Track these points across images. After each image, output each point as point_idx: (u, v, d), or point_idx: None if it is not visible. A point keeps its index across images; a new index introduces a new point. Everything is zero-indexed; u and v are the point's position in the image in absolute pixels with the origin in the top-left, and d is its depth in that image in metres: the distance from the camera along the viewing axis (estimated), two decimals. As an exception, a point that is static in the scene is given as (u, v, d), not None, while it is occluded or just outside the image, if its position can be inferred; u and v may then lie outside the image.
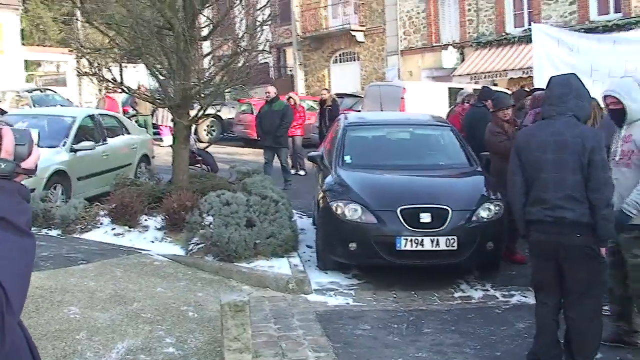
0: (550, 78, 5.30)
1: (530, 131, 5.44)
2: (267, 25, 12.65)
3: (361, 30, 31.74)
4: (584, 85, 5.15)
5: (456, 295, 7.84)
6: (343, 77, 32.90)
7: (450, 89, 18.46)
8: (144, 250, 8.90)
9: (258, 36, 11.85)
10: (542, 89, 9.66)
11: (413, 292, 7.84)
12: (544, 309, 5.26)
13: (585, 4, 23.66)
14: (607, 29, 22.56)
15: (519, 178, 5.18)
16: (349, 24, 32.12)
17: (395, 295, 7.74)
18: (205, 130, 24.66)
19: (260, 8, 12.48)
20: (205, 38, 11.68)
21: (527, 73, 22.07)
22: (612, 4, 23.40)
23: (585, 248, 4.94)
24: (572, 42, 10.69)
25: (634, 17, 22.27)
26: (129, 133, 13.96)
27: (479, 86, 19.49)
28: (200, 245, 8.55)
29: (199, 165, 14.19)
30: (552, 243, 5.03)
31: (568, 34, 11.63)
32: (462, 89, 15.71)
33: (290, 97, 17.96)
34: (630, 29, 22.02)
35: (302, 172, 17.23)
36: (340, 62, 34.01)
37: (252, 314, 6.38)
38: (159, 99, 11.64)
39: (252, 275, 8.05)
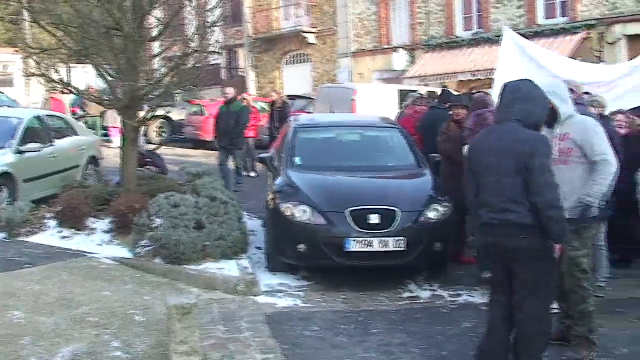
0: (504, 84, 5.38)
1: (480, 136, 5.53)
2: (217, 26, 12.59)
3: (313, 32, 31.79)
4: (539, 90, 5.20)
5: (404, 295, 7.90)
6: (295, 79, 32.91)
7: (400, 90, 18.57)
8: (91, 253, 8.80)
9: (208, 37, 11.79)
10: (482, 92, 9.88)
11: (362, 293, 7.88)
12: (495, 308, 5.34)
13: (532, 8, 24.06)
14: (554, 32, 22.99)
15: (471, 182, 5.27)
16: (300, 25, 32.17)
17: (344, 296, 7.78)
18: (155, 131, 24.48)
19: (211, 9, 12.40)
20: (154, 39, 11.57)
21: (475, 75, 22.40)
22: (558, 8, 23.82)
23: (532, 250, 5.01)
24: (534, 55, 10.92)
25: (580, 21, 22.71)
26: (76, 134, 13.77)
27: (429, 88, 19.72)
28: (149, 248, 8.48)
29: (148, 166, 14.05)
30: (499, 245, 5.11)
31: (533, 46, 11.88)
32: (415, 90, 15.86)
33: (243, 99, 17.94)
34: (576, 32, 22.50)
35: (253, 174, 17.19)
36: (292, 63, 34.02)
37: (200, 317, 6.33)
38: (107, 100, 11.50)
39: (200, 278, 8.01)
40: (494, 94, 10.22)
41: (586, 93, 8.34)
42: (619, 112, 8.58)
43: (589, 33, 22.48)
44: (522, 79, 5.36)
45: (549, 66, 10.62)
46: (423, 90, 17.89)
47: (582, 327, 5.81)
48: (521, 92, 5.10)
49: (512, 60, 10.77)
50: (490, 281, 5.45)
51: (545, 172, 4.90)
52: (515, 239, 4.97)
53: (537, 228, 4.97)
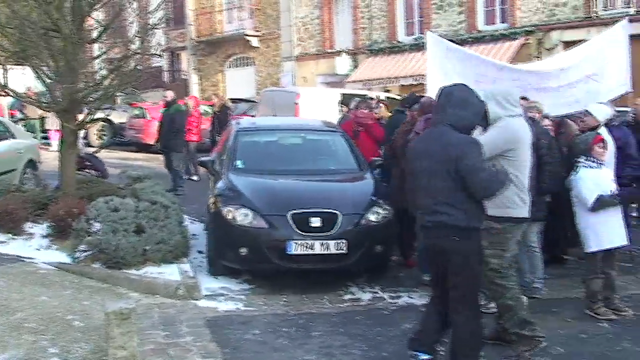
0: (440, 89, 5.48)
1: (416, 140, 5.65)
2: (159, 28, 12.49)
3: (256, 36, 31.74)
4: (474, 96, 5.31)
5: (346, 297, 7.96)
6: (238, 82, 32.80)
7: (343, 94, 18.64)
8: (29, 258, 8.61)
9: (150, 39, 11.69)
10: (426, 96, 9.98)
11: (304, 296, 7.91)
12: (431, 304, 5.53)
13: (473, 14, 24.43)
14: (494, 38, 23.40)
15: (411, 185, 5.37)
16: (244, 28, 32.06)
17: (286, 299, 7.79)
18: (95, 134, 24.16)
19: (152, 11, 12.30)
20: (94, 40, 11.43)
21: (417, 80, 22.58)
22: (498, 14, 24.22)
23: (464, 252, 5.13)
24: (459, 57, 11.05)
25: (519, 28, 23.15)
26: (14, 137, 13.49)
27: (372, 93, 19.84)
28: (88, 253, 8.35)
29: (87, 170, 13.86)
30: (434, 246, 5.23)
31: (457, 48, 12.01)
32: (365, 95, 15.97)
33: (186, 103, 17.90)
34: (515, 38, 22.93)
35: (195, 178, 17.09)
36: (235, 66, 33.90)
37: (140, 322, 6.30)
38: (45, 103, 11.31)
39: (141, 282, 7.92)
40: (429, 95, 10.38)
41: (523, 98, 8.49)
42: (546, 117, 8.77)
43: (527, 39, 22.93)
44: (457, 84, 5.47)
45: (473, 69, 10.79)
46: (376, 94, 18.00)
47: (509, 323, 5.93)
48: (454, 96, 5.23)
49: (439, 64, 10.91)
50: (430, 282, 5.57)
51: (478, 173, 5.00)
52: (447, 241, 5.08)
53: (470, 231, 5.09)
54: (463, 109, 5.17)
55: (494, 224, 5.74)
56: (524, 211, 5.85)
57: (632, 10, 20.62)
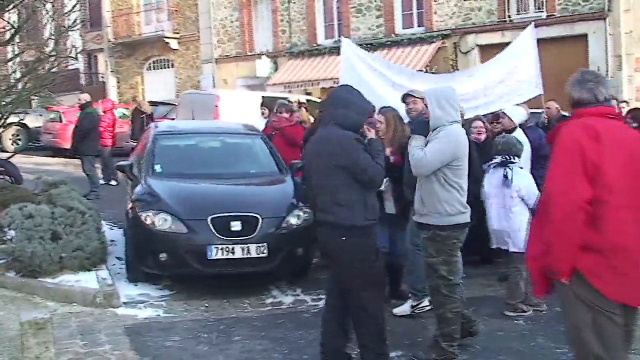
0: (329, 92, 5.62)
1: (310, 141, 5.76)
2: (74, 30, 12.25)
3: (175, 38, 31.41)
4: (358, 97, 5.45)
5: (267, 301, 7.95)
6: (157, 85, 32.40)
7: (264, 97, 18.63)
8: (-62, 268, 8.33)
9: (64, 41, 11.46)
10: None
11: (225, 301, 7.86)
12: (327, 308, 5.72)
13: (391, 18, 24.76)
14: (412, 42, 23.78)
15: (308, 184, 5.47)
16: (162, 30, 31.69)
17: (206, 305, 7.73)
18: (10, 139, 23.50)
19: (67, 12, 12.05)
20: (7, 42, 11.13)
21: (337, 83, 22.62)
22: (415, 18, 24.64)
23: (350, 251, 5.23)
24: (374, 65, 11.19)
25: (436, 31, 23.60)
26: None
27: (293, 96, 19.88)
28: (2, 261, 8.13)
29: (1, 176, 13.45)
30: (324, 245, 5.37)
31: (372, 56, 12.17)
32: (287, 98, 15.97)
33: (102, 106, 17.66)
34: (432, 42, 23.35)
35: (113, 182, 16.80)
36: (154, 69, 33.47)
37: (56, 331, 6.17)
38: (-45, 107, 10.94)
39: (57, 291, 7.74)
40: None
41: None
42: (477, 118, 8.96)
43: (444, 42, 23.40)
44: (342, 85, 5.63)
45: (389, 75, 10.96)
46: (296, 97, 18.04)
47: (438, 331, 6.03)
48: (339, 97, 5.45)
49: (353, 70, 11.04)
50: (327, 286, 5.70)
51: (359, 164, 5.20)
52: (335, 240, 5.22)
53: (358, 229, 5.18)
54: (347, 108, 5.33)
55: (439, 232, 5.83)
56: (466, 216, 5.93)
57: (544, 15, 21.28)
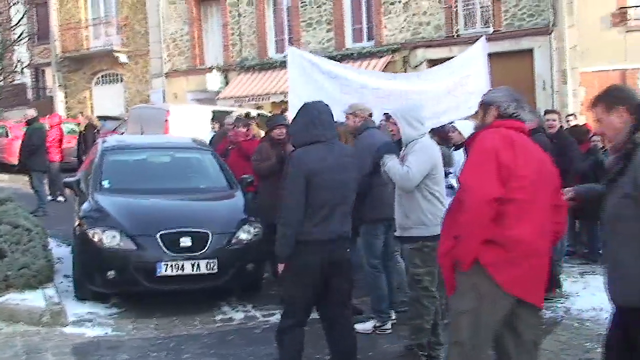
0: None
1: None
2: (20, 44, 12.08)
3: (124, 52, 31.13)
4: (299, 113, 5.50)
5: (217, 318, 7.88)
6: (107, 99, 32.02)
7: (214, 111, 18.56)
8: None
9: (10, 55, 11.29)
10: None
11: (174, 318, 7.77)
12: (300, 331, 5.50)
13: (341, 32, 24.91)
14: (362, 55, 23.94)
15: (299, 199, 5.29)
16: (111, 44, 31.36)
17: (156, 323, 7.63)
18: (-46, 154, 23.03)
19: (13, 27, 11.87)
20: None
21: (287, 97, 22.75)
22: (365, 33, 24.84)
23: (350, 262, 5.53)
24: (324, 67, 11.18)
25: (385, 46, 23.80)
26: None
27: (243, 110, 19.84)
28: (-56, 281, 7.93)
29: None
30: (334, 257, 5.37)
31: (320, 59, 12.14)
32: (233, 111, 15.93)
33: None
34: (382, 56, 23.55)
35: (61, 199, 16.56)
36: (103, 83, 33.08)
37: (1, 352, 6.04)
38: None
39: (3, 310, 7.54)
40: (293, 110, 10.43)
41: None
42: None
43: (393, 57, 23.61)
44: (319, 102, 5.59)
45: (343, 74, 10.97)
46: (246, 111, 18.01)
47: (414, 341, 6.06)
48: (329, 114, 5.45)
49: (302, 79, 11.03)
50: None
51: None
52: (344, 252, 5.48)
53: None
54: (292, 126, 5.73)
55: (427, 243, 5.88)
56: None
57: (490, 30, 21.61)
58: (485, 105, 4.50)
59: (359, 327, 7.02)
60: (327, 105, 5.50)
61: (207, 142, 12.85)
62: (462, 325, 4.18)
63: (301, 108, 5.54)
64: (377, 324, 7.10)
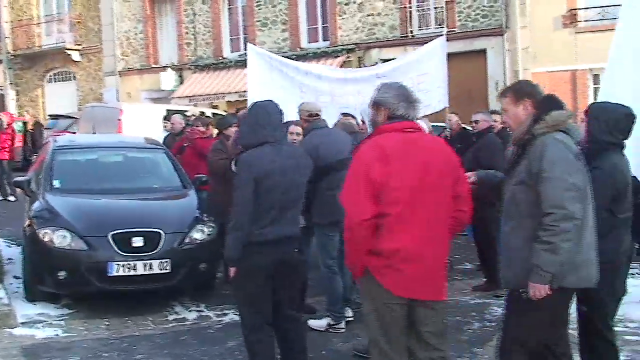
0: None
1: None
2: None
3: (77, 49, 30.74)
4: (247, 113, 5.59)
5: (170, 318, 7.82)
6: (59, 97, 31.58)
7: (168, 110, 18.44)
8: None
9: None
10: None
11: (127, 318, 7.69)
12: (266, 333, 5.47)
13: (296, 32, 24.96)
14: (317, 55, 24.00)
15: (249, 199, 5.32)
16: (64, 42, 30.96)
17: (107, 323, 7.55)
18: None
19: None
20: None
21: (243, 96, 22.69)
22: (320, 33, 24.92)
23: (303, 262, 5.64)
24: (283, 67, 11.22)
25: (340, 46, 23.91)
26: None
27: (198, 109, 19.78)
28: None
29: None
30: (285, 258, 5.34)
31: (280, 58, 12.18)
32: (186, 111, 15.85)
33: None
34: (337, 56, 23.64)
35: (11, 198, 16.31)
36: (56, 81, 32.64)
37: (-53, 354, 5.93)
38: None
39: (-50, 312, 7.45)
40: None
41: (348, 115, 8.66)
42: None
43: (348, 57, 23.74)
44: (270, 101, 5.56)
45: (302, 74, 11.01)
46: (200, 110, 17.94)
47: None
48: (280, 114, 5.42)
49: (261, 77, 11.05)
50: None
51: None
52: (293, 253, 5.45)
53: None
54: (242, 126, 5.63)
55: None
56: None
57: (444, 30, 21.80)
58: (375, 105, 4.52)
59: (312, 323, 7.12)
60: (276, 105, 5.41)
61: (161, 141, 12.81)
62: (371, 325, 4.39)
63: (249, 109, 5.53)
64: (332, 322, 7.12)
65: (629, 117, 4.99)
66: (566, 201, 4.08)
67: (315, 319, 7.21)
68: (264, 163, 5.13)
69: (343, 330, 7.05)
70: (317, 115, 7.60)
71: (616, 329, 6.87)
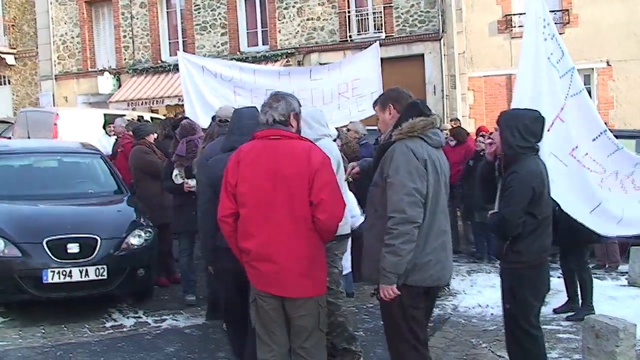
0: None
1: None
2: None
3: (12, 53, 30.08)
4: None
5: (108, 324, 7.75)
6: (-7, 102, 30.89)
7: (106, 115, 18.18)
8: None
9: None
10: (187, 118, 10.02)
11: (63, 326, 7.58)
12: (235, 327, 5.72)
13: (235, 36, 24.86)
14: (256, 60, 23.93)
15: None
16: (-3, 45, 30.31)
17: (43, 331, 7.43)
18: None
19: None
20: None
21: (182, 100, 22.44)
22: (260, 37, 24.87)
23: None
24: (216, 70, 11.18)
25: (280, 50, 23.91)
26: None
27: (137, 113, 19.56)
28: None
29: None
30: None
31: (212, 61, 12.13)
32: (124, 115, 15.66)
33: None
34: (277, 60, 23.64)
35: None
36: (-11, 85, 31.89)
37: None
38: None
39: None
40: (188, 116, 10.44)
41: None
42: None
43: (288, 61, 23.72)
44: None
45: (237, 75, 11.02)
46: (138, 114, 17.76)
47: (338, 339, 6.09)
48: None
49: (194, 84, 11.03)
50: None
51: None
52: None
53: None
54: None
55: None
56: (346, 228, 6.03)
57: (383, 35, 22.04)
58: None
59: None
60: (253, 110, 5.53)
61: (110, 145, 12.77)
62: (252, 313, 4.74)
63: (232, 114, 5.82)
64: None
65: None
66: (406, 206, 4.34)
67: None
68: (218, 169, 5.15)
69: None
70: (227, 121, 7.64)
71: (549, 327, 7.10)
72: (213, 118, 9.40)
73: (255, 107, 5.59)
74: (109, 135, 14.66)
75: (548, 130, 6.39)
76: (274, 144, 4.62)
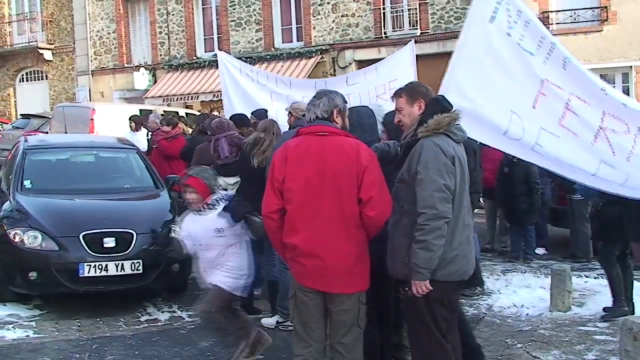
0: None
1: None
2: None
3: (49, 49, 30.45)
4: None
5: (142, 319, 7.80)
6: (31, 97, 31.27)
7: (141, 110, 18.34)
8: None
9: None
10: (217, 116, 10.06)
11: (98, 319, 7.65)
12: None
13: (270, 32, 24.93)
14: (291, 56, 24.01)
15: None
16: (35, 41, 30.65)
17: (79, 324, 7.51)
18: None
19: None
20: None
21: (217, 96, 22.67)
22: (294, 33, 24.91)
23: None
24: (253, 75, 11.25)
25: (314, 46, 23.93)
26: None
27: (172, 108, 19.69)
28: None
29: None
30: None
31: (249, 67, 12.20)
32: (151, 110, 15.78)
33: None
34: (311, 57, 23.64)
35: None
36: (28, 80, 32.30)
37: None
38: None
39: None
40: (226, 114, 10.49)
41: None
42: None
43: (322, 57, 23.75)
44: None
45: (268, 85, 11.08)
46: (174, 110, 17.88)
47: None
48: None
49: (233, 85, 11.09)
50: None
51: None
52: None
53: None
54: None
55: None
56: None
57: (418, 32, 21.93)
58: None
59: (263, 321, 7.28)
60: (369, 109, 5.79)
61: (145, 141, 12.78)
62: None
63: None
64: (280, 320, 7.17)
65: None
66: (437, 202, 4.37)
67: (266, 316, 7.42)
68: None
69: (291, 327, 6.94)
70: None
71: (585, 328, 6.98)
72: (252, 113, 9.47)
73: (367, 106, 5.82)
74: (134, 132, 14.13)
75: (534, 107, 6.56)
76: (322, 140, 4.65)
